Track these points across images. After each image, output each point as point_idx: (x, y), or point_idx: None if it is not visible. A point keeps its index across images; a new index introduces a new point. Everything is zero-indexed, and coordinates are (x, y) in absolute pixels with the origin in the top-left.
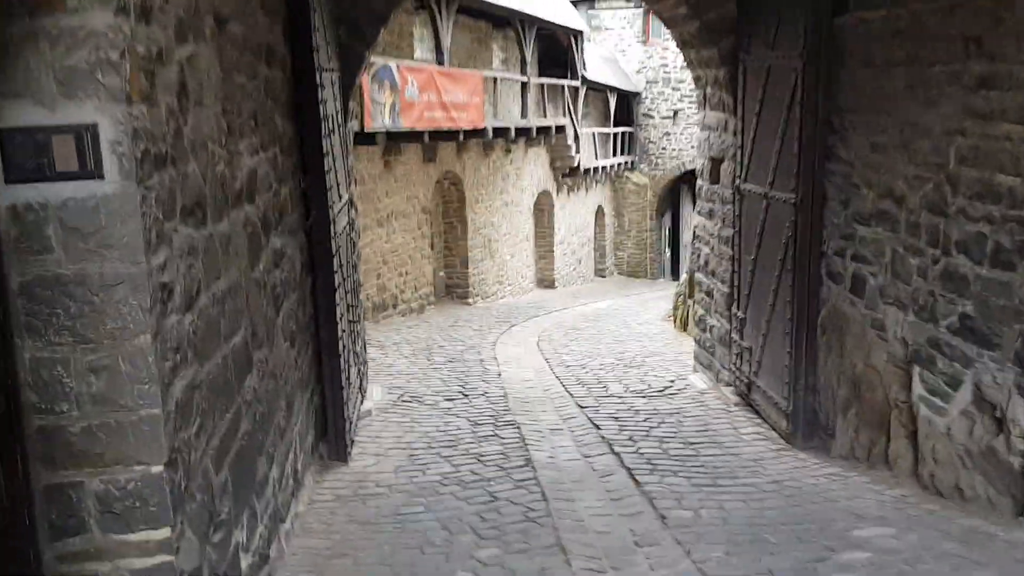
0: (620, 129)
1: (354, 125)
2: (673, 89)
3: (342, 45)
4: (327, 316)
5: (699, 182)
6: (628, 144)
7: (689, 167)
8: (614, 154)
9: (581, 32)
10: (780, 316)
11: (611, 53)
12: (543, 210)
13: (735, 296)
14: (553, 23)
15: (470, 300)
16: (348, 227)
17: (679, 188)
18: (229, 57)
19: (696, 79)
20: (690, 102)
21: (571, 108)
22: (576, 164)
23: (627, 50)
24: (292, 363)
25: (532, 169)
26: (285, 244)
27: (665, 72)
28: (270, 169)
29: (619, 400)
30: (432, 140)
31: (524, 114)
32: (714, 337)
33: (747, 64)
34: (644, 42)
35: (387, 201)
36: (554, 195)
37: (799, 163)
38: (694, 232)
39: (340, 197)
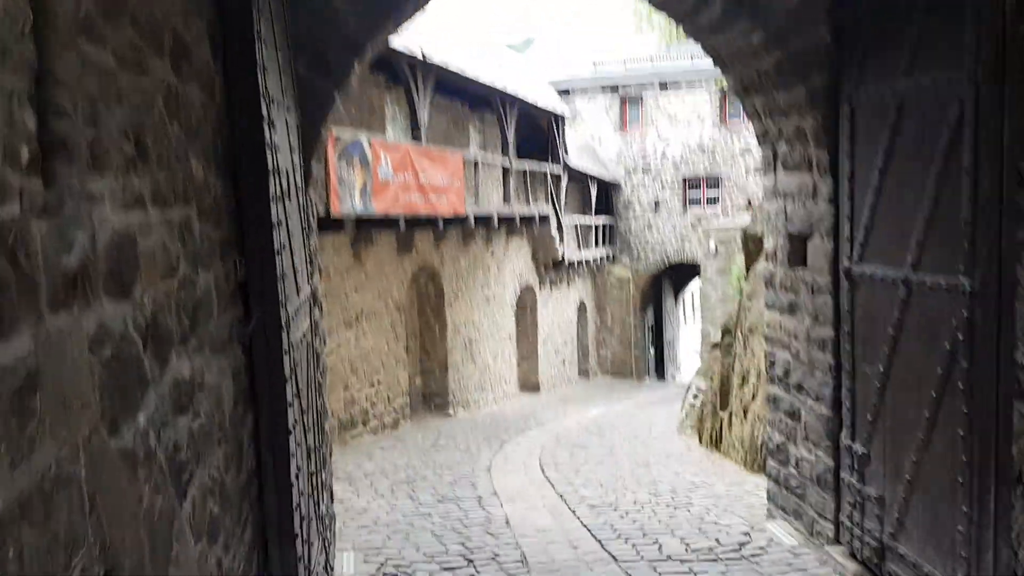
0: (601, 220)
1: (318, 208)
2: (654, 179)
3: (301, 79)
4: (277, 477)
5: (767, 266)
6: (609, 236)
7: (673, 260)
8: (596, 246)
9: (563, 116)
10: (941, 457)
11: (588, 142)
12: (526, 306)
13: (845, 422)
14: (535, 105)
15: (450, 411)
16: (310, 332)
17: (661, 282)
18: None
19: (761, 135)
20: (672, 191)
21: (554, 196)
22: (560, 256)
23: (604, 139)
24: (214, 571)
25: (514, 262)
26: (201, 369)
27: (645, 161)
28: (173, 240)
29: (684, 566)
30: (408, 228)
31: (507, 200)
32: (804, 475)
33: (856, 102)
34: (621, 130)
35: (356, 298)
36: (537, 290)
37: (973, 233)
38: (766, 334)
39: (298, 290)
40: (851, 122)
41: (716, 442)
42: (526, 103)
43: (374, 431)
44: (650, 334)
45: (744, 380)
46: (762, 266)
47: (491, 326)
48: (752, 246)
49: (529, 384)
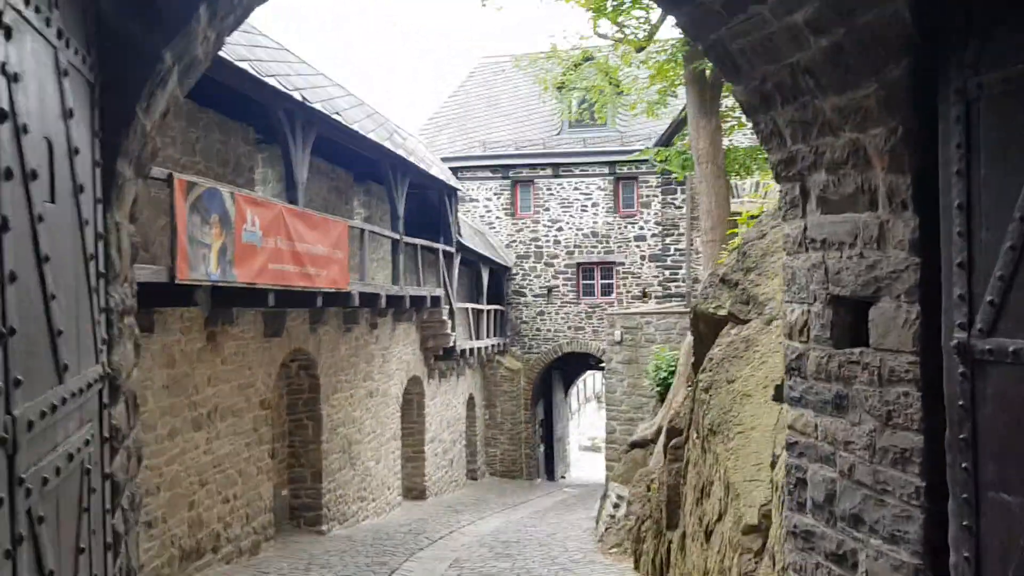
0: (492, 307)
1: (160, 272)
2: (547, 265)
3: (107, 19)
4: None
5: (790, 345)
6: (500, 325)
7: (567, 350)
8: (487, 335)
9: (456, 190)
10: None
11: (478, 226)
12: (412, 401)
13: None
14: (428, 173)
15: (324, 527)
16: (96, 448)
17: (551, 374)
18: None
19: (782, 165)
20: (566, 279)
21: (446, 278)
22: (451, 344)
23: (495, 223)
24: None
25: (401, 350)
26: None
27: (537, 247)
28: None
29: None
30: (279, 304)
31: (396, 279)
32: None
33: (980, 94)
34: (512, 215)
35: (209, 392)
36: (425, 382)
37: None
38: (789, 440)
39: (59, 371)
40: (966, 125)
41: (662, 570)
42: (419, 170)
43: (227, 559)
44: (540, 430)
45: (704, 494)
46: (759, 342)
47: (374, 424)
48: (704, 327)
49: (415, 490)
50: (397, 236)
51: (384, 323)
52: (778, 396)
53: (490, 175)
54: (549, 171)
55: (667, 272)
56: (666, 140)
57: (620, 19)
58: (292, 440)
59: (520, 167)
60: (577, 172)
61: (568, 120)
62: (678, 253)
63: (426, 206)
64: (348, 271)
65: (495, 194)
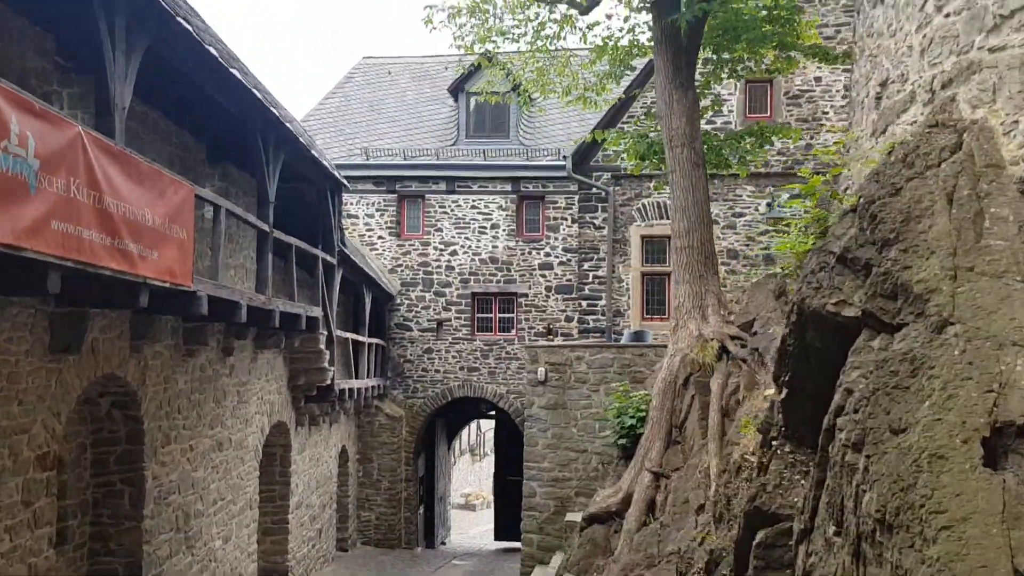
0: (374, 340)
1: None
2: (437, 294)
3: None
4: None
5: None
6: (380, 362)
7: (458, 394)
8: (367, 374)
9: (342, 186)
10: None
11: (358, 246)
12: (275, 455)
13: None
14: (311, 155)
15: None
16: None
17: (434, 423)
18: None
19: None
20: (459, 311)
21: (326, 296)
22: (328, 382)
23: (377, 244)
24: None
25: (264, 386)
26: None
27: (427, 272)
28: None
29: None
30: (73, 296)
31: (262, 287)
32: None
33: None
34: (398, 235)
35: None
36: (292, 430)
37: None
38: None
39: None
40: None
41: None
42: (298, 146)
43: None
44: (421, 489)
45: None
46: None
47: (223, 488)
48: (817, 335)
49: (275, 572)
50: (266, 227)
51: (243, 348)
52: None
53: (373, 188)
54: (443, 185)
55: (584, 304)
56: (603, 127)
57: None
58: (97, 516)
59: (409, 180)
60: (475, 188)
61: (466, 129)
62: (597, 281)
63: (300, 207)
64: (191, 261)
65: (378, 210)
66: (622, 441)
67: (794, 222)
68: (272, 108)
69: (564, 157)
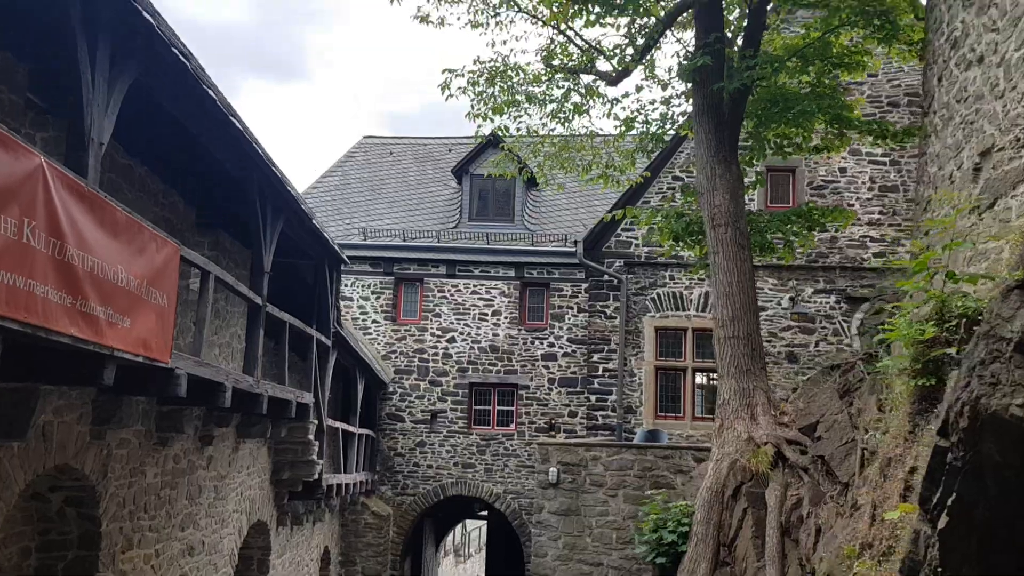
0: (364, 431)
1: None
2: (432, 383)
3: None
4: None
5: None
6: (370, 455)
7: (451, 492)
8: (356, 468)
9: (341, 262)
10: None
11: (351, 329)
12: (252, 559)
13: None
14: (312, 225)
15: None
16: None
17: (423, 523)
18: None
19: None
20: (455, 401)
21: (318, 381)
22: (316, 477)
23: (371, 328)
24: None
25: (245, 480)
26: None
27: (422, 360)
28: None
29: None
30: (20, 362)
31: (250, 368)
32: None
33: None
34: (394, 319)
35: None
36: (273, 530)
37: None
38: None
39: None
40: None
41: None
42: (297, 212)
43: None
44: None
45: None
46: None
47: None
48: (1000, 448)
49: None
50: (259, 300)
51: (224, 437)
52: None
53: (369, 270)
54: (443, 269)
55: (593, 398)
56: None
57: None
58: None
59: (407, 262)
60: (477, 272)
61: (469, 211)
62: (608, 375)
63: (294, 283)
64: (171, 332)
65: (374, 293)
66: (660, 560)
67: (904, 305)
68: (273, 166)
69: (574, 243)
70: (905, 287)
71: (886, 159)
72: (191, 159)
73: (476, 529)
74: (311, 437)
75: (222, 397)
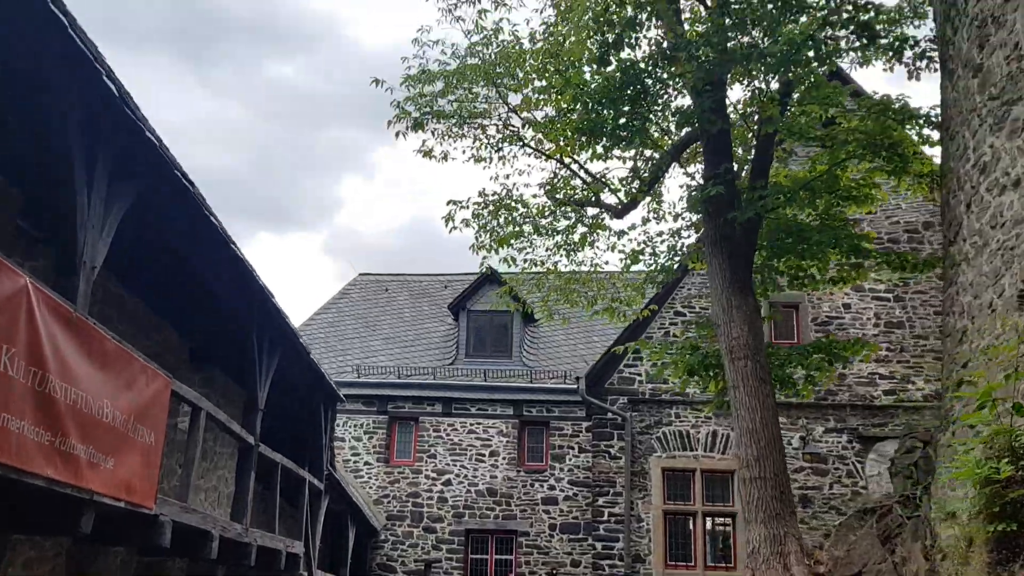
0: None
1: None
2: (427, 530)
3: None
4: None
5: None
6: None
7: None
8: None
9: (337, 400)
10: None
11: (342, 472)
12: None
13: None
14: (309, 360)
15: None
16: None
17: None
18: None
19: None
20: (451, 550)
21: (309, 528)
22: None
23: (363, 470)
24: None
25: None
26: None
27: (416, 504)
28: None
29: None
30: None
31: (239, 515)
32: None
33: None
34: (387, 460)
35: None
36: None
37: None
38: None
39: None
40: None
41: None
42: (295, 346)
43: None
44: None
45: None
46: None
47: None
48: None
49: None
50: (251, 440)
51: None
52: None
53: (363, 408)
54: (439, 407)
55: (599, 545)
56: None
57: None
58: None
59: (402, 400)
60: (474, 411)
61: (466, 348)
62: (614, 520)
63: (286, 422)
64: (157, 475)
65: (366, 433)
66: None
67: (970, 441)
68: (271, 297)
69: (576, 379)
70: (970, 421)
71: (890, 295)
72: (185, 289)
73: None
74: None
75: (208, 548)
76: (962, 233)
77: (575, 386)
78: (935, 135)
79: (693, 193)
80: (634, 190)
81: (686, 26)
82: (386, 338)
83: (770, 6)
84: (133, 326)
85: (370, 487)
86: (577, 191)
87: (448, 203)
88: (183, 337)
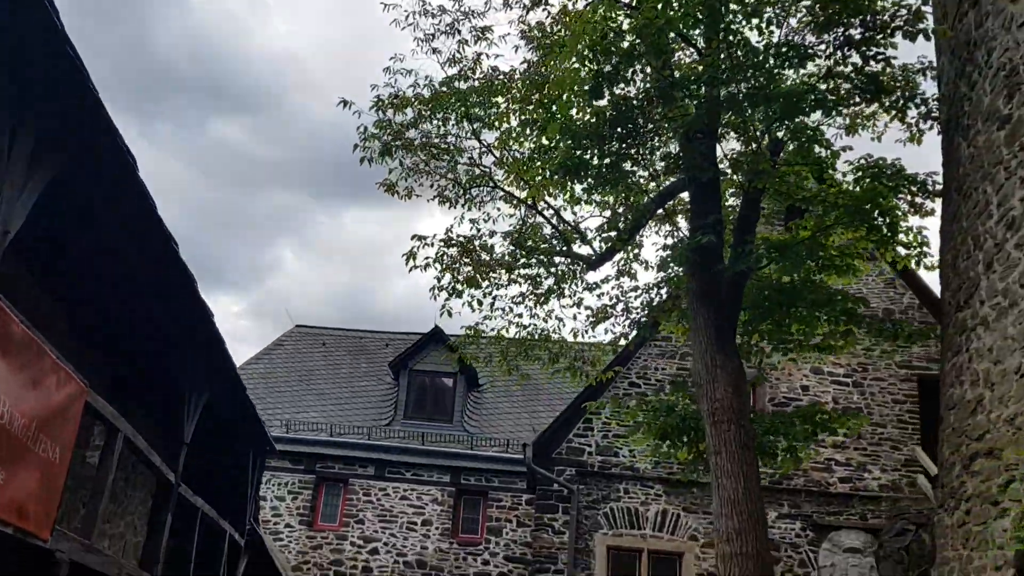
0: None
1: None
2: None
3: None
4: None
5: None
6: None
7: None
8: None
9: (268, 449)
10: None
11: (261, 533)
12: None
13: None
14: (244, 399)
15: None
16: None
17: None
18: None
19: None
20: None
21: None
22: None
23: (284, 533)
24: None
25: None
26: None
27: (339, 573)
28: None
29: None
30: None
31: (151, 562)
32: None
33: None
34: (311, 524)
35: None
36: None
37: None
38: None
39: None
40: None
41: None
42: (230, 380)
43: None
44: None
45: None
46: None
47: None
48: None
49: None
50: (171, 477)
51: None
52: None
53: (289, 466)
54: (371, 470)
55: None
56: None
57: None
58: None
59: (332, 460)
60: (409, 475)
61: (404, 409)
62: None
63: (207, 468)
64: (57, 500)
65: (290, 493)
66: None
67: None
68: (213, 320)
69: (522, 446)
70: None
71: (848, 380)
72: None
73: None
74: None
75: None
76: (979, 295)
77: (517, 456)
78: (928, 204)
79: (680, 243)
80: (612, 238)
81: (681, 71)
82: (320, 394)
83: (772, 52)
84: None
85: (289, 551)
86: (546, 241)
87: (413, 237)
88: (99, 358)
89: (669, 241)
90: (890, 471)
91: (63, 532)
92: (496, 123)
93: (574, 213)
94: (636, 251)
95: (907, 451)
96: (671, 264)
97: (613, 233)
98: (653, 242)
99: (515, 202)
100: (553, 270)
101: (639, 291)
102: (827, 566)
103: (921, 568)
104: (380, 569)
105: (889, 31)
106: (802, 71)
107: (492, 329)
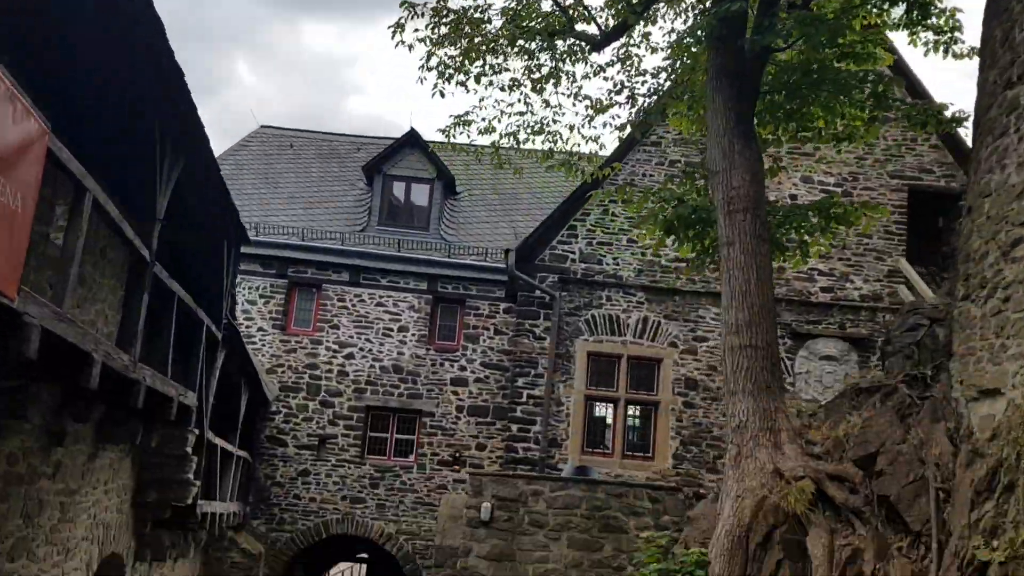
0: (242, 453)
1: None
2: (324, 404)
3: None
4: None
5: None
6: (244, 483)
7: (335, 530)
8: (230, 497)
9: (244, 238)
10: None
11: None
12: None
13: None
14: (219, 179)
15: None
16: None
17: (294, 566)
18: None
19: None
20: (348, 426)
21: (204, 380)
22: (190, 500)
23: (256, 337)
24: None
25: (100, 499)
26: None
27: (313, 377)
28: None
29: None
30: None
31: (126, 341)
32: None
33: None
34: (284, 328)
35: None
36: (128, 566)
37: None
38: None
39: None
40: None
41: None
42: (205, 152)
43: None
44: None
45: None
46: None
47: None
48: None
49: None
50: (146, 254)
51: (79, 437)
52: None
53: (260, 270)
54: (345, 275)
55: (514, 428)
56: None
57: None
58: None
59: (305, 264)
60: (384, 282)
61: (379, 215)
62: (532, 402)
63: (180, 256)
64: (22, 256)
65: (262, 297)
66: None
67: None
68: (184, 80)
69: (504, 252)
70: None
71: (839, 188)
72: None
73: (347, 569)
74: (189, 450)
75: (88, 373)
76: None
77: (495, 264)
78: None
79: (705, 13)
80: (623, 10)
81: None
82: (290, 197)
83: None
84: None
85: (263, 355)
86: (546, 19)
87: (402, 5)
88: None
89: (679, 25)
90: (872, 281)
91: (30, 294)
92: None
93: None
94: (648, 29)
95: (891, 262)
96: (688, 41)
97: (621, 5)
98: (660, 27)
99: None
100: (554, 51)
101: (646, 75)
102: (802, 373)
103: (936, 362)
104: (356, 373)
105: None
106: None
107: (483, 119)
